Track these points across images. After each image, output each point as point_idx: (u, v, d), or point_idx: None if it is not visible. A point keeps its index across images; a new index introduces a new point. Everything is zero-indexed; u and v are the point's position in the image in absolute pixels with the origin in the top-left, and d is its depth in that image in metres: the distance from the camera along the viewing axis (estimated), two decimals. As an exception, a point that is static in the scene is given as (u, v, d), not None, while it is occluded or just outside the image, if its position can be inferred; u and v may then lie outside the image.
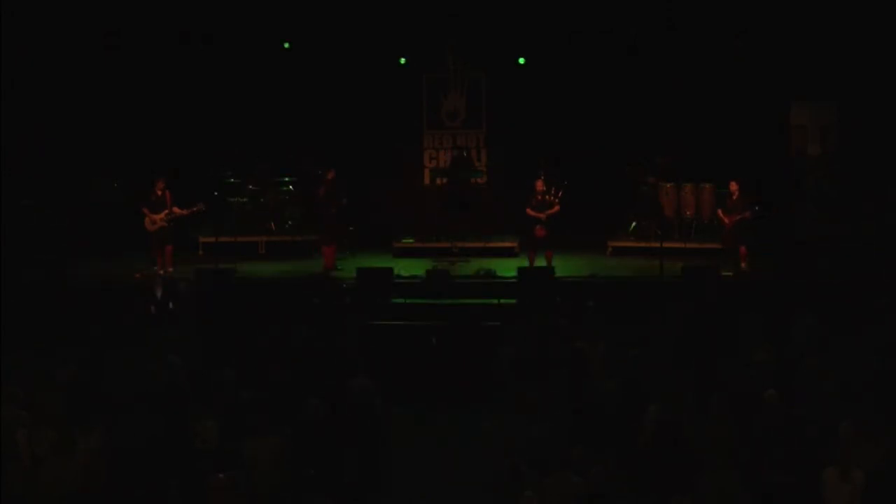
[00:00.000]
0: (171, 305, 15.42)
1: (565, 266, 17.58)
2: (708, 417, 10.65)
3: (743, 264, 17.60)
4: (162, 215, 17.68)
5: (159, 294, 16.10)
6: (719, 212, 18.21)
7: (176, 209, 17.72)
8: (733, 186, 17.93)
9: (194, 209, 17.82)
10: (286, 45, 19.95)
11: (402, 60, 20.21)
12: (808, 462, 9.88)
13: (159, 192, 17.78)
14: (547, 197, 17.68)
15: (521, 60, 20.03)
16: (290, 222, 19.89)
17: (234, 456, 10.27)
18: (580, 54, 19.75)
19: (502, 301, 15.96)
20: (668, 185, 19.41)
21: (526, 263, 17.51)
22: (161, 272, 17.59)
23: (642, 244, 19.23)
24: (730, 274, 17.11)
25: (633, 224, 19.62)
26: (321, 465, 10.50)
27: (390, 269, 16.94)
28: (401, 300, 16.39)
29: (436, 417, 14.32)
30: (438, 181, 20.90)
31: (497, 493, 10.39)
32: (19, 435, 10.36)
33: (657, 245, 17.79)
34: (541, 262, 17.56)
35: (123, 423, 10.80)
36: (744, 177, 19.00)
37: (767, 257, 18.21)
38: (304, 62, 20.07)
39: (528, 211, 17.64)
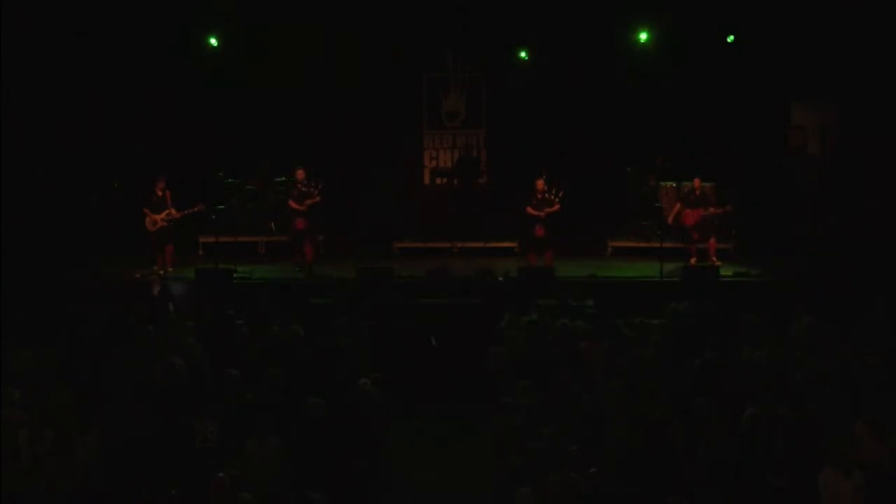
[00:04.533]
0: (170, 306, 15.40)
1: (565, 266, 17.58)
2: (707, 418, 10.65)
3: (713, 258, 17.70)
4: (163, 215, 17.68)
5: (159, 294, 16.08)
6: (677, 205, 18.27)
7: (173, 211, 17.70)
8: (696, 182, 18.07)
9: (194, 209, 17.81)
10: (293, 40, 19.81)
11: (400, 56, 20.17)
12: (809, 462, 9.88)
13: (160, 193, 17.78)
14: (548, 196, 17.69)
15: (523, 55, 19.97)
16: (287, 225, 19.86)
17: (234, 456, 10.27)
18: (580, 54, 19.74)
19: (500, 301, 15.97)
20: (668, 185, 19.42)
21: (526, 263, 17.50)
22: (161, 272, 17.59)
23: (642, 244, 19.24)
24: (729, 273, 17.15)
25: (642, 222, 19.58)
26: (321, 465, 10.50)
27: (390, 269, 16.93)
28: (400, 300, 16.39)
29: (436, 417, 14.33)
30: (438, 181, 20.91)
31: (496, 492, 10.41)
32: (19, 435, 10.36)
33: (657, 245, 17.81)
34: (541, 262, 17.56)
35: (124, 423, 10.80)
36: (744, 177, 19.10)
37: (768, 257, 18.23)
38: (305, 62, 20.04)
39: (529, 210, 17.64)
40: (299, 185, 17.92)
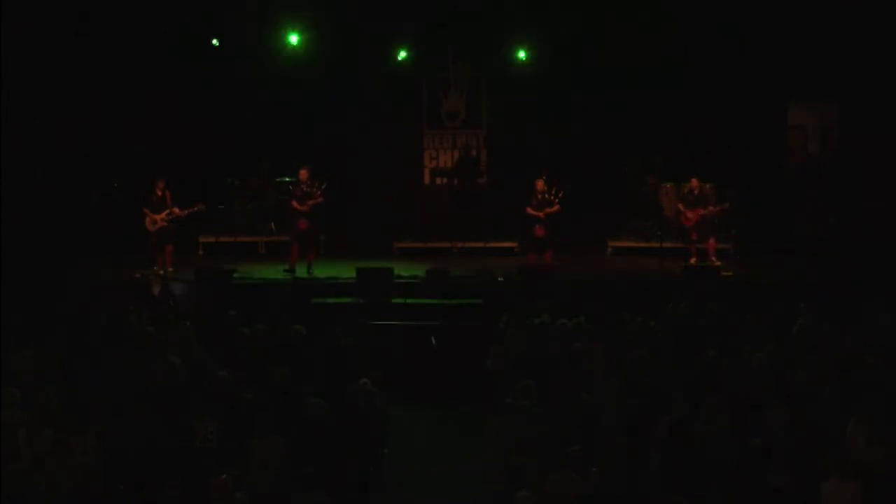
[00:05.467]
0: (170, 306, 15.40)
1: (565, 266, 17.58)
2: (707, 418, 10.65)
3: (713, 258, 17.72)
4: (163, 215, 17.68)
5: (159, 294, 16.08)
6: (679, 206, 18.27)
7: (176, 209, 17.72)
8: (694, 182, 18.08)
9: (194, 209, 17.81)
10: (294, 40, 19.75)
11: (402, 55, 20.09)
12: (809, 462, 9.88)
13: (159, 193, 17.78)
14: (547, 196, 17.69)
15: (523, 55, 19.94)
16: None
17: (234, 456, 10.26)
18: (581, 55, 19.74)
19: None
20: (668, 185, 19.43)
21: (526, 263, 17.50)
22: (161, 272, 17.60)
23: (642, 244, 19.25)
24: (729, 273, 17.16)
25: (642, 222, 19.57)
26: (321, 465, 10.50)
27: (390, 269, 16.94)
28: (401, 300, 16.41)
29: (436, 417, 14.34)
30: (438, 181, 20.90)
31: (496, 492, 10.40)
32: (19, 435, 10.35)
33: (657, 245, 17.81)
34: (541, 262, 17.57)
35: (123, 423, 10.80)
36: (743, 177, 19.10)
37: (768, 257, 18.24)
38: (305, 62, 20.04)
39: (528, 210, 17.65)
40: (302, 186, 17.90)
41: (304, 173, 17.93)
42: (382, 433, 11.98)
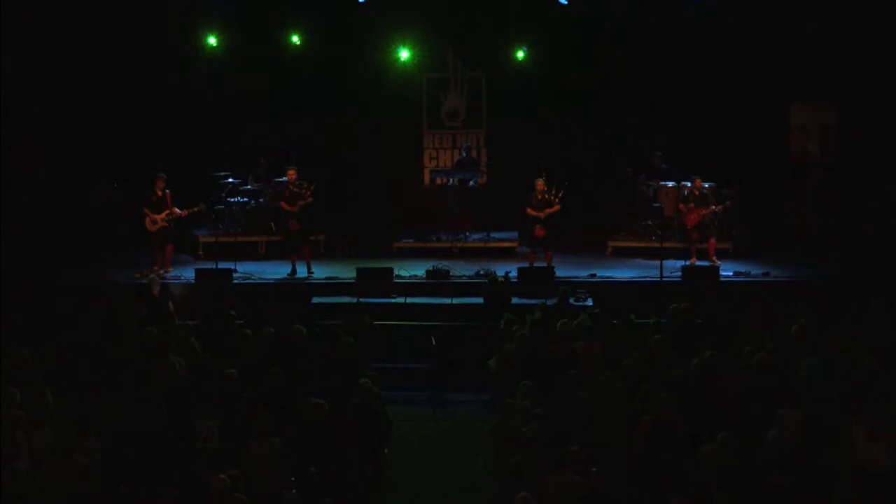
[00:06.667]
0: (170, 306, 15.40)
1: (565, 266, 17.59)
2: (707, 418, 10.66)
3: (713, 258, 17.71)
4: (163, 215, 17.67)
5: (159, 294, 16.07)
6: (680, 206, 18.25)
7: (176, 209, 17.71)
8: (697, 182, 18.07)
9: (194, 209, 17.80)
10: (296, 40, 19.78)
11: (402, 55, 20.05)
12: (810, 462, 9.88)
13: (159, 193, 17.76)
14: (548, 196, 17.67)
15: (523, 55, 19.93)
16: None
17: (234, 456, 10.27)
18: (581, 54, 19.74)
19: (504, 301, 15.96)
20: (668, 185, 19.42)
21: (526, 263, 17.50)
22: (161, 272, 17.58)
23: (642, 244, 19.24)
24: (729, 274, 17.15)
25: (642, 222, 19.56)
26: (321, 465, 10.50)
27: (390, 269, 16.94)
28: (401, 300, 16.41)
29: (436, 418, 14.34)
30: (438, 181, 20.89)
31: (496, 492, 10.40)
32: (19, 435, 10.36)
33: (657, 245, 17.80)
34: (541, 262, 17.57)
35: (124, 424, 10.80)
36: (744, 177, 19.10)
37: (767, 257, 18.23)
38: (306, 62, 20.04)
39: (528, 210, 17.62)
40: (291, 186, 17.87)
41: (291, 174, 17.92)
42: (382, 433, 11.98)
